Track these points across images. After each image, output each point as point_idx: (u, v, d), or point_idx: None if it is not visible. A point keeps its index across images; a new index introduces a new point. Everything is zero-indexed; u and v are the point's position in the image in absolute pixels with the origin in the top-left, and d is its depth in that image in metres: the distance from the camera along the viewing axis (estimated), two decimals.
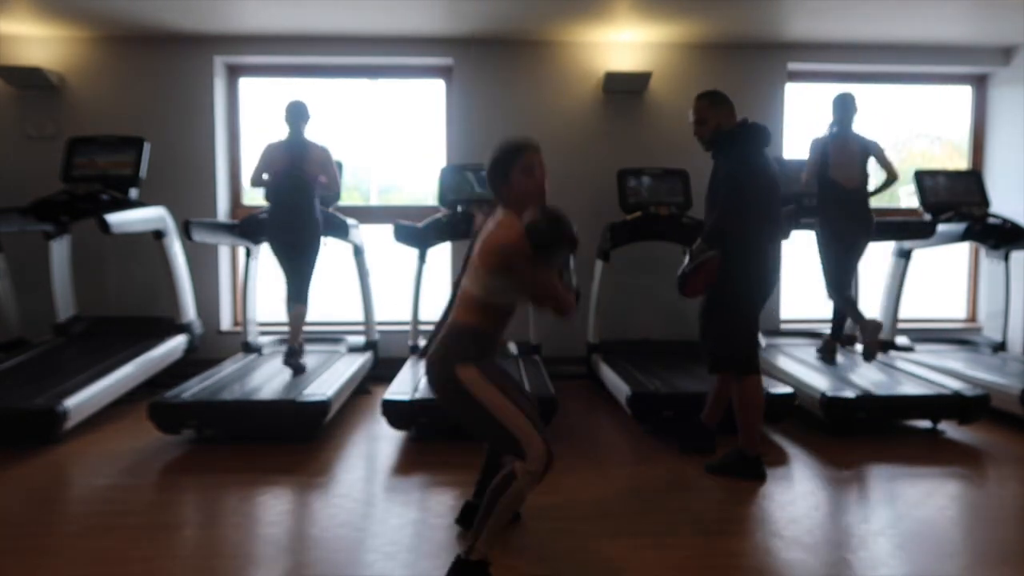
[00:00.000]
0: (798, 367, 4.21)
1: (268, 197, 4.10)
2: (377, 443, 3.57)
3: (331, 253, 4.53)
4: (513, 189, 2.17)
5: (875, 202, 4.28)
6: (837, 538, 2.53)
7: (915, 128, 6.49)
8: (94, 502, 2.83)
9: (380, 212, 5.38)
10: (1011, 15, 4.51)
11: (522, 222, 2.08)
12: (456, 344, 2.13)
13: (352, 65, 5.28)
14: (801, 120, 5.37)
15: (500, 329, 2.22)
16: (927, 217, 4.78)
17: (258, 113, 5.38)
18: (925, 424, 3.80)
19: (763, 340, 4.81)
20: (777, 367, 4.24)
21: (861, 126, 4.22)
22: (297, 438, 3.53)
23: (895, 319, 4.89)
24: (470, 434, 2.30)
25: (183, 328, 4.68)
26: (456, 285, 2.28)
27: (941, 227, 4.60)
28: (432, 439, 3.54)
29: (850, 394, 3.60)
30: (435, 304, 5.25)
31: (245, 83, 5.33)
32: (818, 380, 3.90)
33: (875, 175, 4.31)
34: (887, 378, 4.00)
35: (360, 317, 4.89)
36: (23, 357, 4.24)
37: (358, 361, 4.41)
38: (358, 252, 4.81)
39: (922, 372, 4.09)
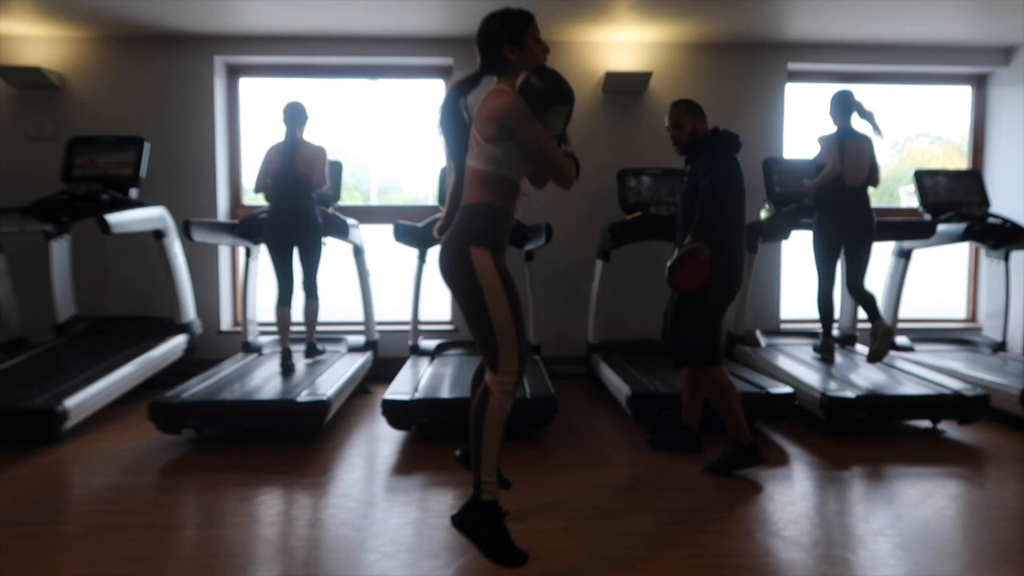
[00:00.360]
0: (798, 367, 4.21)
1: (267, 199, 4.11)
2: (377, 443, 3.57)
3: (331, 253, 4.53)
4: (525, 54, 2.13)
5: (875, 202, 4.27)
6: (837, 538, 2.53)
7: (915, 128, 6.49)
8: (94, 502, 2.82)
9: (380, 212, 5.39)
10: (1011, 15, 4.51)
11: (516, 84, 2.04)
12: (471, 224, 2.09)
13: (352, 65, 5.28)
14: (801, 120, 5.37)
15: (511, 206, 2.16)
16: (927, 217, 4.78)
17: (258, 113, 5.38)
18: (925, 424, 3.80)
19: (763, 340, 4.83)
20: (777, 367, 4.23)
21: (860, 126, 4.21)
22: (297, 438, 3.53)
23: (895, 319, 4.89)
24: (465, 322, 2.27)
25: (183, 328, 4.68)
26: (458, 171, 2.21)
27: (941, 227, 4.60)
28: (432, 439, 3.54)
29: (850, 394, 3.60)
30: (435, 304, 5.27)
31: (245, 83, 5.33)
32: (818, 380, 3.90)
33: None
34: (887, 378, 4.00)
35: (360, 317, 4.89)
36: (23, 357, 4.25)
37: (358, 361, 4.41)
38: (358, 252, 4.81)
39: (922, 372, 4.09)
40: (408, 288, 4.76)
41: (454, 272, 2.11)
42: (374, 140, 6.04)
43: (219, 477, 3.08)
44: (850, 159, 4.10)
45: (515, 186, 2.15)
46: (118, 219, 4.11)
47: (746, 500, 2.87)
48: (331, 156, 4.36)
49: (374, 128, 5.80)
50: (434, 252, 4.72)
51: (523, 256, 4.58)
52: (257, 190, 4.12)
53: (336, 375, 4.02)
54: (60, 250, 4.59)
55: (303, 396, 3.56)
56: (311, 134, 4.16)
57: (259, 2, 4.38)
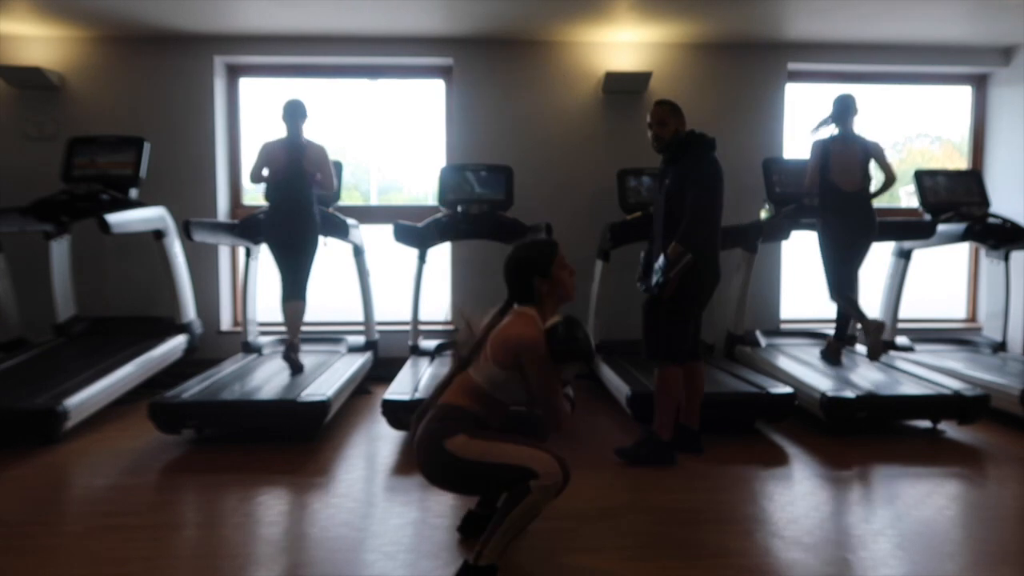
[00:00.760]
0: (798, 367, 4.21)
1: (267, 196, 4.11)
2: (377, 443, 3.57)
3: (331, 253, 4.53)
4: (554, 284, 2.19)
5: (875, 202, 4.27)
6: (837, 538, 2.53)
7: (915, 128, 6.49)
8: (94, 502, 2.82)
9: (380, 212, 5.39)
10: (1011, 15, 4.51)
11: (542, 322, 2.09)
12: (445, 423, 2.12)
13: (352, 65, 5.28)
14: (801, 120, 5.37)
15: (494, 417, 2.20)
16: (927, 217, 4.78)
17: (258, 113, 5.38)
18: (925, 424, 3.80)
19: (763, 340, 4.83)
20: (777, 367, 4.24)
21: (861, 127, 4.22)
22: (297, 438, 3.53)
23: (895, 319, 4.90)
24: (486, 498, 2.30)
25: (183, 328, 4.68)
26: (454, 369, 2.25)
27: (941, 227, 4.60)
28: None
29: (850, 394, 3.60)
30: (435, 304, 5.28)
31: (245, 83, 5.33)
32: (818, 380, 3.90)
33: (874, 177, 4.31)
34: (887, 378, 4.00)
35: (360, 317, 4.89)
36: (23, 357, 4.24)
37: (358, 361, 4.41)
38: (358, 252, 4.81)
39: (922, 372, 4.09)
40: (408, 288, 4.75)
41: (439, 471, 2.14)
42: (374, 140, 6.05)
43: (219, 477, 3.08)
44: (837, 165, 4.11)
45: (502, 406, 2.20)
46: (118, 219, 4.11)
47: (746, 500, 2.87)
48: (331, 156, 4.36)
49: (374, 128, 5.81)
50: (434, 252, 4.75)
51: None
52: (254, 180, 4.11)
53: (336, 375, 4.02)
54: (60, 250, 4.59)
55: (303, 396, 3.56)
56: (310, 132, 4.16)
57: (259, 2, 4.38)
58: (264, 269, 4.61)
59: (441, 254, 4.99)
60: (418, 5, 4.40)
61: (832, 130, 4.21)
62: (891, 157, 4.29)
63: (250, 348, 4.66)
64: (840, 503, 2.88)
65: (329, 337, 4.90)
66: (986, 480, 3.13)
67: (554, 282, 2.21)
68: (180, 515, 2.75)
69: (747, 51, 5.16)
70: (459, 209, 4.56)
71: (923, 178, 4.88)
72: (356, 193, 6.49)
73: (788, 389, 3.67)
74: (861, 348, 4.71)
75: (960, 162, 5.72)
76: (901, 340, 4.89)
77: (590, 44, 5.11)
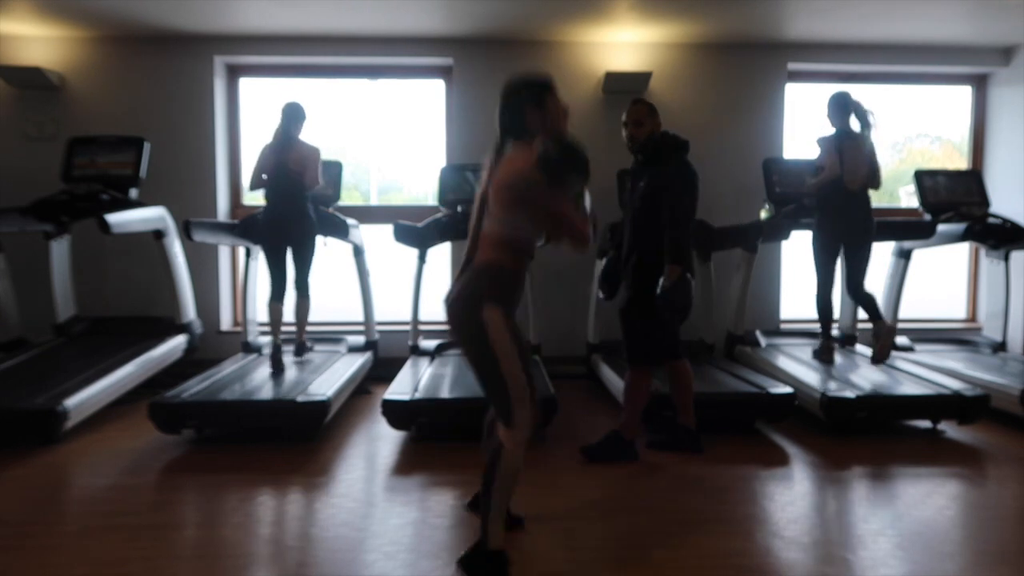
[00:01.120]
0: (798, 367, 4.21)
1: (264, 197, 4.12)
2: (377, 443, 3.57)
3: (331, 253, 4.54)
4: (548, 116, 2.14)
5: (875, 202, 4.27)
6: (837, 538, 2.53)
7: (915, 128, 6.49)
8: (94, 502, 2.82)
9: (380, 212, 5.39)
10: (1011, 15, 4.51)
11: (533, 152, 2.04)
12: (483, 282, 2.08)
13: (352, 65, 5.28)
14: (801, 120, 5.37)
15: (523, 267, 2.16)
16: (927, 217, 4.78)
17: (258, 113, 5.38)
18: (925, 424, 3.80)
19: (763, 340, 4.83)
20: (777, 367, 4.24)
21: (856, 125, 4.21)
22: (297, 438, 3.53)
23: (895, 319, 4.89)
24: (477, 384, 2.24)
25: (183, 328, 4.68)
26: (474, 230, 2.19)
27: (941, 227, 4.59)
28: (432, 439, 3.54)
29: (850, 394, 3.60)
30: (435, 304, 5.27)
31: (245, 83, 5.33)
32: (818, 380, 3.90)
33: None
34: (887, 378, 4.00)
35: (360, 317, 4.89)
36: (23, 357, 4.24)
37: (358, 361, 4.41)
38: (358, 252, 4.81)
39: (922, 372, 4.09)
40: (408, 288, 4.75)
41: (465, 331, 2.09)
42: (374, 140, 6.05)
43: (219, 477, 3.08)
44: (849, 160, 4.10)
45: (529, 247, 2.15)
46: (118, 219, 4.11)
47: (746, 500, 2.87)
48: (331, 156, 4.37)
49: (374, 128, 5.80)
50: (434, 252, 4.75)
51: None
52: (253, 188, 4.13)
53: (336, 375, 4.02)
54: (60, 250, 4.59)
55: (303, 396, 3.56)
56: (309, 134, 4.16)
57: (259, 2, 4.38)
58: (264, 269, 4.60)
59: (441, 254, 4.99)
60: (418, 5, 4.40)
61: (831, 129, 4.20)
62: (891, 157, 4.30)
63: (250, 348, 4.66)
64: (840, 503, 2.88)
65: (329, 337, 4.90)
66: (986, 480, 3.13)
67: (546, 113, 2.15)
68: (180, 515, 2.75)
69: (747, 51, 5.16)
70: (459, 209, 4.56)
71: (923, 178, 4.88)
72: (356, 193, 6.49)
73: (788, 389, 3.67)
74: (862, 348, 4.72)
75: (960, 162, 5.72)
76: (901, 340, 4.89)
77: (590, 44, 5.11)
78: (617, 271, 3.35)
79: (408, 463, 3.30)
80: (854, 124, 4.16)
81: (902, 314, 4.95)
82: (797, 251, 5.09)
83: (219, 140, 5.14)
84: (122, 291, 5.06)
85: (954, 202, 4.78)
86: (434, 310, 5.28)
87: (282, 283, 4.21)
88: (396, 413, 3.48)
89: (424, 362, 4.45)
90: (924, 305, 5.87)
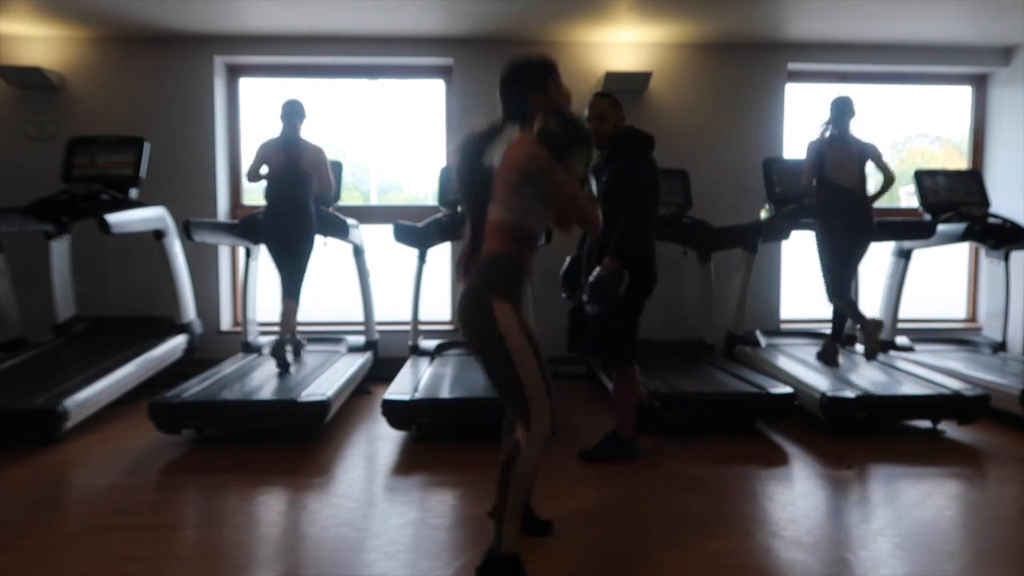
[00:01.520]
0: (798, 367, 4.21)
1: (265, 196, 4.12)
2: (377, 443, 3.57)
3: (331, 253, 4.53)
4: (550, 99, 2.10)
5: (875, 202, 4.27)
6: (837, 538, 2.53)
7: (915, 128, 6.49)
8: (94, 502, 2.83)
9: (380, 212, 5.39)
10: (1011, 15, 4.51)
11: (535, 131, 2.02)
12: (492, 275, 2.05)
13: (352, 65, 5.28)
14: (801, 120, 5.37)
15: (530, 257, 2.12)
16: (927, 217, 4.77)
17: (258, 113, 5.38)
18: (925, 424, 3.80)
19: (763, 340, 4.83)
20: (777, 367, 4.23)
21: (859, 128, 4.21)
22: (297, 438, 3.53)
23: (895, 319, 4.89)
24: (490, 386, 2.20)
25: (183, 328, 4.68)
26: (474, 220, 2.17)
27: (941, 227, 4.59)
28: (432, 439, 3.54)
29: (850, 394, 3.60)
30: (435, 304, 5.27)
31: (245, 83, 5.33)
32: (818, 380, 3.90)
33: (873, 178, 4.30)
34: (887, 378, 4.00)
35: (360, 317, 4.89)
36: (23, 357, 4.24)
37: (358, 361, 4.41)
38: (358, 252, 4.81)
39: (922, 372, 4.09)
40: (408, 288, 4.75)
41: (477, 328, 2.04)
42: (374, 140, 6.05)
43: (219, 477, 3.08)
44: (833, 163, 4.11)
45: (535, 237, 2.12)
46: (118, 219, 4.10)
47: (746, 500, 2.87)
48: (331, 156, 4.36)
49: (374, 128, 5.80)
50: (434, 252, 4.75)
51: None
52: (251, 178, 4.12)
53: (336, 375, 4.02)
54: (60, 250, 4.59)
55: (303, 396, 3.56)
56: (308, 133, 4.16)
57: (259, 2, 4.38)
58: (264, 269, 4.61)
59: (441, 254, 4.99)
60: (418, 5, 4.40)
61: (828, 131, 4.21)
62: (891, 157, 4.30)
63: (250, 348, 4.66)
64: (840, 503, 2.88)
65: (329, 337, 4.90)
66: (986, 480, 3.13)
67: (549, 97, 2.12)
68: (180, 515, 2.75)
69: (747, 51, 5.16)
70: (459, 209, 4.55)
71: (923, 178, 4.88)
72: (356, 193, 6.50)
73: (788, 389, 3.67)
74: (861, 348, 4.71)
75: (960, 162, 5.72)
76: (901, 340, 4.89)
77: (590, 44, 5.11)
78: (578, 271, 3.34)
79: (408, 463, 3.30)
80: (854, 128, 4.17)
81: (902, 314, 4.95)
82: (797, 251, 5.09)
83: (219, 140, 5.14)
84: (122, 291, 5.06)
85: (954, 202, 4.78)
86: (434, 310, 5.30)
87: (288, 280, 4.18)
88: (396, 413, 3.48)
89: (424, 362, 4.45)
90: (924, 305, 5.86)
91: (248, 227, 4.41)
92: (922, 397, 3.67)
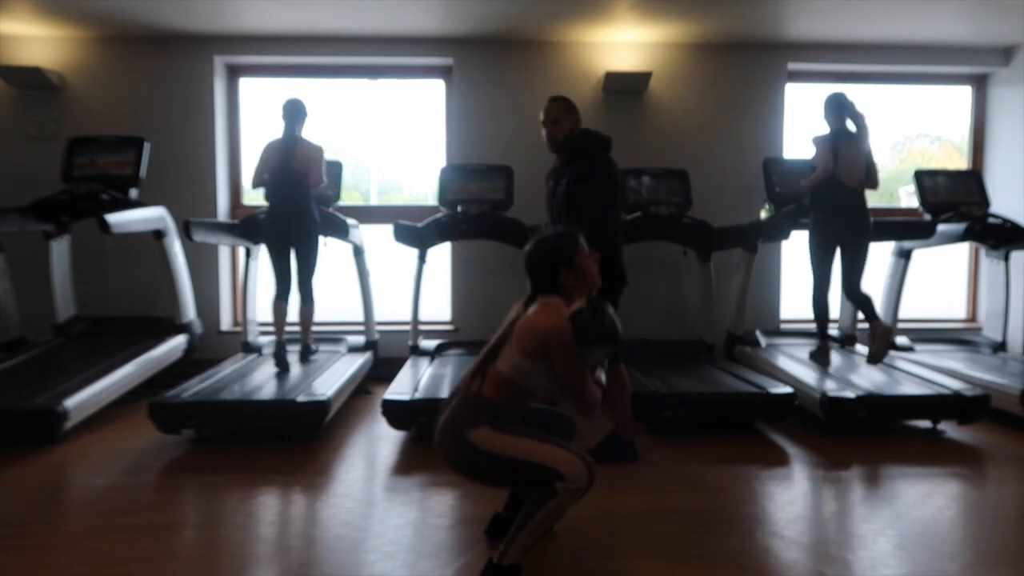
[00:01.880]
0: (798, 367, 4.21)
1: (266, 197, 4.12)
2: (377, 443, 3.57)
3: (331, 253, 4.53)
4: (579, 274, 2.16)
5: (875, 202, 4.27)
6: (837, 538, 2.53)
7: (915, 128, 6.49)
8: (94, 502, 2.82)
9: (380, 212, 5.39)
10: (1011, 15, 4.51)
11: (567, 310, 2.07)
12: (469, 412, 2.09)
13: (352, 65, 5.28)
14: (801, 120, 5.37)
15: (519, 410, 2.18)
16: (927, 217, 4.78)
17: (258, 113, 5.38)
18: (925, 424, 3.80)
19: (763, 340, 4.83)
20: (777, 367, 4.23)
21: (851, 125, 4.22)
22: (297, 438, 3.53)
23: (895, 319, 4.89)
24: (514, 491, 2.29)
25: (183, 328, 4.68)
26: (481, 361, 2.19)
27: (941, 227, 4.59)
28: (432, 439, 3.53)
29: (850, 394, 3.60)
30: (435, 304, 5.27)
31: (245, 83, 5.33)
32: (818, 380, 3.90)
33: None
34: (887, 378, 4.00)
35: (360, 317, 4.89)
36: (23, 357, 4.24)
37: (358, 361, 4.41)
38: (358, 252, 4.81)
39: (922, 372, 4.09)
40: (408, 288, 4.75)
41: (462, 460, 2.10)
42: (374, 140, 6.05)
43: (219, 477, 3.08)
44: (844, 160, 4.10)
45: (529, 397, 2.16)
46: (118, 219, 4.10)
47: (746, 500, 2.87)
48: (331, 156, 4.36)
49: (374, 128, 5.80)
50: (434, 252, 4.75)
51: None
52: (255, 185, 4.12)
53: (336, 375, 4.02)
54: (60, 250, 4.59)
55: (303, 396, 3.55)
56: (310, 133, 4.16)
57: (259, 2, 4.38)
58: (264, 269, 4.60)
59: (441, 254, 4.99)
60: (418, 5, 4.40)
61: (826, 128, 4.21)
62: (891, 157, 4.31)
63: (250, 348, 4.66)
64: (840, 503, 2.88)
65: (329, 337, 4.90)
66: (986, 480, 3.13)
67: (579, 271, 2.18)
68: (180, 515, 2.75)
69: (747, 51, 5.16)
70: (459, 209, 4.56)
71: (923, 178, 4.88)
72: (356, 193, 6.49)
73: (788, 389, 3.67)
74: (862, 348, 4.72)
75: (960, 162, 5.72)
76: (901, 340, 4.89)
77: (590, 44, 5.11)
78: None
79: (408, 463, 3.30)
80: (850, 125, 4.16)
81: (902, 314, 4.95)
82: (797, 251, 5.09)
83: (219, 140, 5.14)
84: (122, 291, 5.06)
85: (954, 202, 4.78)
86: (434, 310, 5.30)
87: (286, 282, 4.19)
88: (396, 413, 3.48)
89: (424, 362, 4.45)
90: (924, 305, 5.86)
91: (248, 227, 4.42)
92: (922, 397, 3.67)
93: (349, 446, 3.53)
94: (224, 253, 5.24)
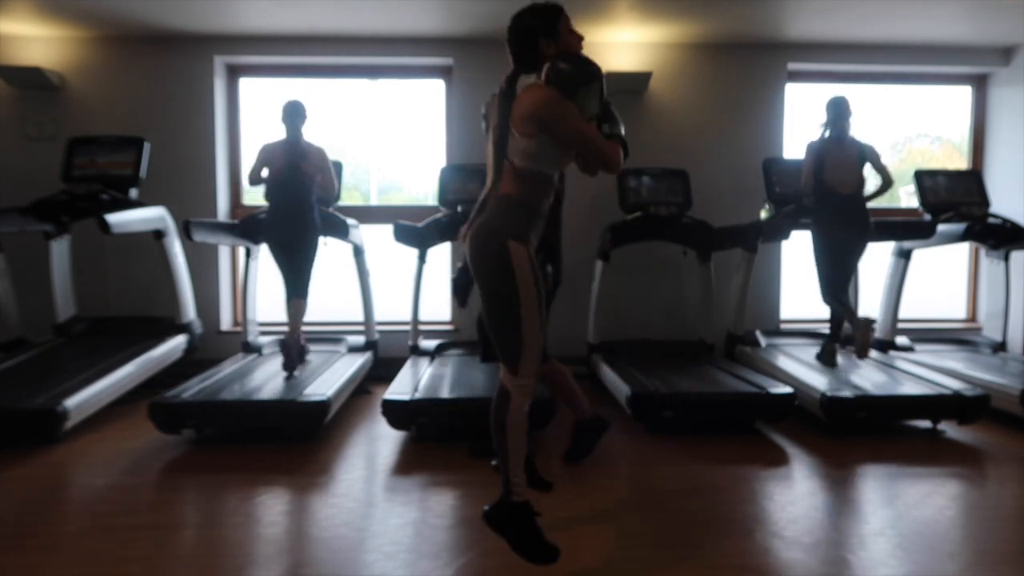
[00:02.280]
0: (798, 367, 4.21)
1: (267, 196, 4.12)
2: (377, 443, 3.57)
3: (331, 253, 4.53)
4: (560, 46, 2.10)
5: (875, 203, 4.27)
6: (837, 538, 2.53)
7: (915, 128, 6.49)
8: (94, 502, 2.82)
9: (380, 212, 5.39)
10: (1011, 15, 4.51)
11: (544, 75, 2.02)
12: (508, 215, 2.05)
13: (352, 65, 5.28)
14: (801, 120, 5.37)
15: (546, 203, 2.13)
16: (927, 217, 4.78)
17: (258, 113, 5.38)
18: (925, 424, 3.80)
19: (763, 340, 4.83)
20: (777, 367, 4.23)
21: (857, 129, 4.21)
22: (297, 438, 3.53)
23: (895, 319, 4.89)
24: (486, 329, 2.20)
25: (183, 328, 4.68)
26: (493, 172, 2.17)
27: (941, 227, 4.59)
28: (432, 439, 3.54)
29: (850, 394, 3.60)
30: (435, 304, 5.27)
31: (245, 83, 5.33)
32: (818, 380, 3.90)
33: (870, 180, 4.30)
34: (887, 378, 4.00)
35: (360, 317, 4.89)
36: (23, 357, 4.24)
37: (358, 361, 4.41)
38: (358, 252, 4.81)
39: (922, 372, 4.09)
40: (408, 288, 4.75)
41: (490, 263, 2.04)
42: (374, 140, 6.05)
43: (219, 477, 3.08)
44: (833, 168, 4.11)
45: (549, 183, 2.12)
46: (118, 219, 4.10)
47: (746, 500, 2.87)
48: (331, 156, 4.36)
49: (374, 128, 5.80)
50: (434, 252, 4.75)
51: None
52: (252, 181, 4.12)
53: (336, 375, 4.02)
54: (60, 250, 4.59)
55: (303, 396, 3.56)
56: (309, 133, 4.16)
57: (259, 2, 4.38)
58: (264, 269, 4.61)
59: (441, 254, 4.99)
60: (418, 5, 4.40)
61: (827, 133, 4.21)
62: (891, 157, 4.31)
63: (250, 348, 4.66)
64: (840, 503, 2.88)
65: (329, 337, 4.90)
66: (986, 480, 3.13)
67: (561, 44, 2.12)
68: (180, 515, 2.75)
69: (747, 51, 5.16)
70: (459, 209, 4.56)
71: (923, 178, 4.88)
72: (356, 193, 6.50)
73: (788, 389, 3.67)
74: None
75: (960, 162, 5.72)
76: (901, 340, 4.89)
77: (590, 44, 5.02)
78: (470, 278, 3.29)
79: (408, 463, 3.30)
80: (852, 128, 4.17)
81: (902, 314, 4.95)
82: (797, 251, 5.09)
83: (219, 140, 5.14)
84: (122, 291, 5.06)
85: (954, 202, 4.78)
86: (434, 310, 5.30)
87: (295, 280, 4.18)
88: (396, 413, 3.48)
89: (424, 362, 4.45)
90: (924, 305, 5.86)
91: (248, 227, 4.42)
92: (922, 397, 3.67)
93: (349, 446, 3.53)
94: (224, 253, 5.24)
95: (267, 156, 4.07)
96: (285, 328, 4.24)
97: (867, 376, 4.04)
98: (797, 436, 3.64)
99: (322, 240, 4.26)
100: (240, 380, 3.96)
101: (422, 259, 4.69)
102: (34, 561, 2.30)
